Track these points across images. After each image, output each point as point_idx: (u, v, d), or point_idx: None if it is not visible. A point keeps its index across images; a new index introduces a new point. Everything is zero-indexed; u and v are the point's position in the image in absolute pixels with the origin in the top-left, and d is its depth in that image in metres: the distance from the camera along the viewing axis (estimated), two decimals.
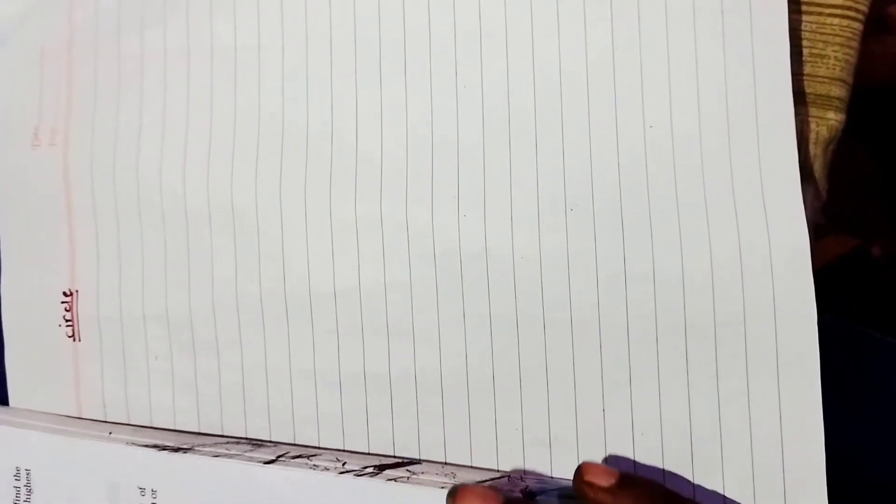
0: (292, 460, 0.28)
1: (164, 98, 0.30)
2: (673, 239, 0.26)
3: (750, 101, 0.26)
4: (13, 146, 0.31)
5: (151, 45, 0.30)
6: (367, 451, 0.28)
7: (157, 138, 0.30)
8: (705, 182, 0.26)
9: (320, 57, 0.29)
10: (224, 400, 0.29)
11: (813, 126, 0.28)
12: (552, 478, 0.27)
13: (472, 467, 0.27)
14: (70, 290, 0.31)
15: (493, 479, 0.27)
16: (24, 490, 0.29)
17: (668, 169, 0.26)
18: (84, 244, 0.30)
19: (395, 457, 0.28)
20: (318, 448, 0.28)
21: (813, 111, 0.28)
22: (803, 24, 0.28)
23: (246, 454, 0.28)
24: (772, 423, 0.25)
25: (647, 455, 0.26)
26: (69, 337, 0.30)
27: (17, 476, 0.29)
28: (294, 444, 0.29)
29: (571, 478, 0.25)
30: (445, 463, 0.27)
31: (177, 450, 0.28)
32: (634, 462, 0.26)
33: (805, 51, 0.28)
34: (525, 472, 0.27)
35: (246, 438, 0.29)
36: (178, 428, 0.30)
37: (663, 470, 0.26)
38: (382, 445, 0.28)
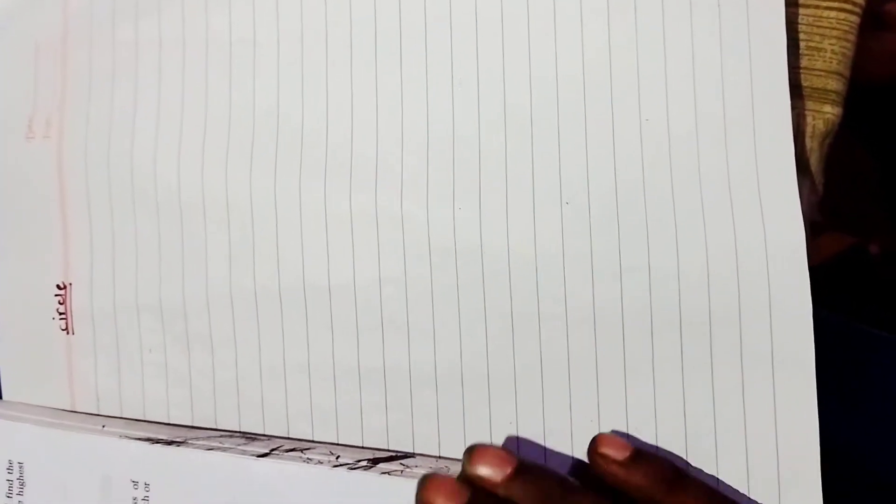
0: (286, 454, 0.28)
1: (158, 90, 0.30)
2: (668, 233, 0.26)
3: (746, 95, 0.26)
4: (7, 138, 0.31)
5: (146, 36, 0.30)
6: (360, 445, 0.28)
7: (152, 131, 0.30)
8: (701, 176, 0.26)
9: (316, 51, 0.29)
10: (218, 393, 0.29)
11: (809, 120, 0.28)
12: None
13: None
14: (63, 283, 0.31)
15: None
16: (16, 483, 0.29)
17: (664, 163, 0.26)
18: (78, 237, 0.30)
19: (388, 450, 0.28)
20: (312, 442, 0.28)
21: (809, 105, 0.28)
22: (800, 17, 0.28)
23: (239, 448, 0.28)
24: (766, 418, 0.25)
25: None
26: (62, 330, 0.30)
27: (9, 469, 0.29)
28: (287, 438, 0.29)
29: (568, 475, 0.25)
30: (440, 457, 0.27)
31: (170, 443, 0.28)
32: None
33: (802, 44, 0.28)
34: None
35: (239, 432, 0.29)
36: (171, 421, 0.29)
37: None
38: (376, 439, 0.28)
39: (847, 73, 0.28)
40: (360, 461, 0.27)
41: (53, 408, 0.31)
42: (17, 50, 0.31)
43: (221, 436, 0.29)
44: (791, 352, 0.25)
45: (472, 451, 0.24)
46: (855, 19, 0.28)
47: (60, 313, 0.30)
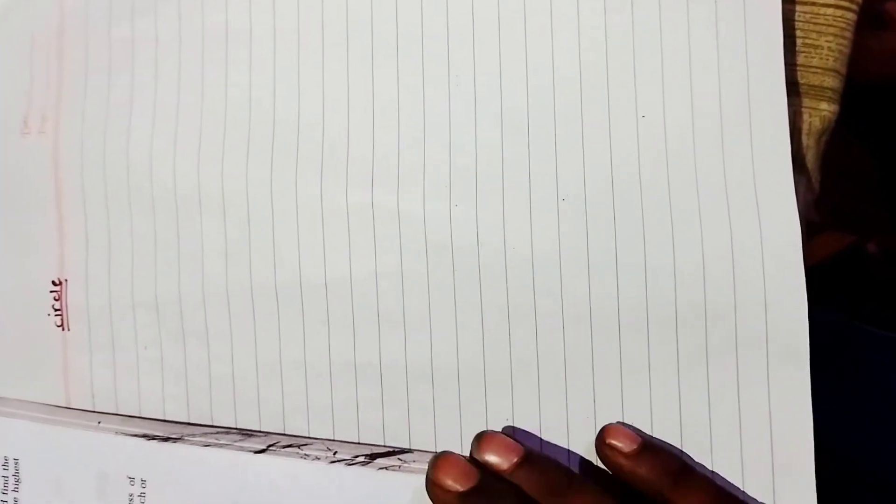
0: (283, 449, 0.28)
1: (154, 86, 0.30)
2: (664, 230, 0.26)
3: (743, 92, 0.26)
4: (3, 133, 0.31)
5: (142, 32, 0.30)
6: (357, 441, 0.28)
7: (148, 126, 0.30)
8: (697, 173, 0.26)
9: (312, 46, 0.29)
10: (214, 390, 0.29)
11: (806, 117, 0.28)
12: None
13: None
14: (59, 280, 0.30)
15: None
16: (12, 479, 0.29)
17: (660, 159, 0.26)
18: (73, 233, 0.30)
19: (385, 446, 0.28)
20: (309, 438, 0.28)
21: (806, 102, 0.28)
22: (797, 14, 0.28)
23: (236, 444, 0.28)
24: (761, 413, 0.25)
25: None
26: (58, 326, 0.30)
27: (5, 465, 0.29)
28: (284, 434, 0.29)
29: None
30: (436, 453, 0.27)
31: (166, 439, 0.28)
32: None
33: (798, 41, 0.28)
34: None
35: (236, 428, 0.29)
36: (167, 417, 0.29)
37: None
38: (372, 435, 0.28)
39: (844, 70, 0.28)
40: (357, 457, 0.27)
41: (48, 404, 0.31)
42: (13, 45, 0.31)
43: (218, 432, 0.29)
44: (786, 348, 0.25)
45: (481, 438, 0.25)
46: (851, 16, 0.28)
47: (56, 310, 0.30)
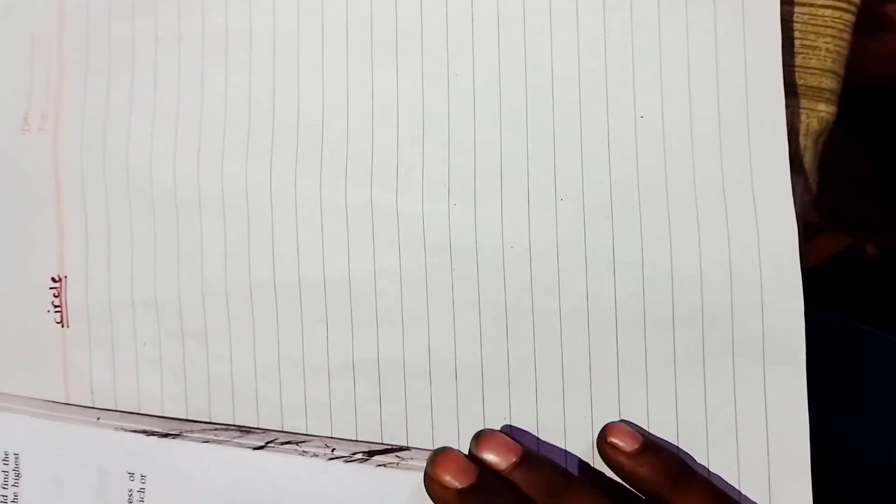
0: (281, 446, 0.28)
1: (154, 84, 0.30)
2: (662, 230, 0.26)
3: (741, 92, 0.26)
4: (3, 130, 0.31)
5: (142, 31, 0.30)
6: (355, 439, 0.28)
7: (148, 125, 0.30)
8: (695, 173, 0.26)
9: (312, 47, 0.29)
10: (212, 387, 0.29)
11: (803, 118, 0.28)
12: None
13: None
14: (59, 277, 0.31)
15: None
16: (11, 474, 0.29)
17: (658, 160, 0.26)
18: (73, 230, 0.30)
19: (383, 444, 0.28)
20: (307, 435, 0.28)
21: (804, 103, 0.28)
22: (795, 15, 0.28)
23: (235, 440, 0.28)
24: (757, 413, 0.25)
25: None
26: (57, 323, 0.30)
27: (5, 460, 0.29)
28: (282, 431, 0.29)
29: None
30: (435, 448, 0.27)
31: (165, 435, 0.28)
32: None
33: (797, 42, 0.28)
34: None
35: (234, 425, 0.29)
36: (165, 415, 0.29)
37: None
38: (370, 433, 0.28)
39: (842, 71, 0.28)
40: (355, 454, 0.27)
41: (48, 400, 0.31)
42: (14, 43, 0.31)
43: (217, 428, 0.29)
44: (782, 348, 0.25)
45: (480, 437, 0.25)
46: (850, 17, 0.28)
47: (55, 306, 0.30)
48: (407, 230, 0.28)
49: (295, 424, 0.28)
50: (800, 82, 0.28)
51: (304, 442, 0.28)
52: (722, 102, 0.26)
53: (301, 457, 0.27)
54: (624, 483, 0.25)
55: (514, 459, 0.24)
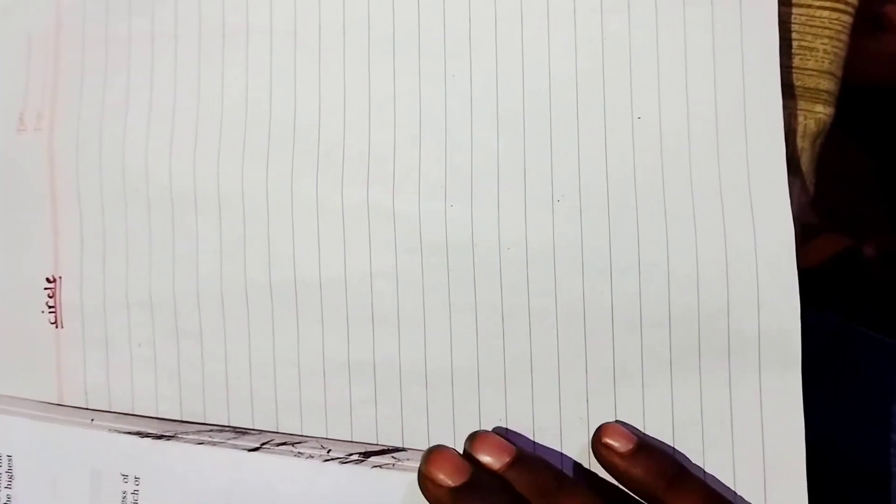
0: (277, 448, 0.28)
1: (150, 84, 0.30)
2: (659, 231, 0.26)
3: (738, 94, 0.26)
4: None
5: (139, 30, 0.30)
6: (350, 440, 0.28)
7: (143, 125, 0.30)
8: (692, 175, 0.26)
9: (308, 45, 0.29)
10: (207, 388, 0.29)
11: (801, 119, 0.28)
12: None
13: None
14: (53, 277, 0.30)
15: None
16: (5, 476, 0.29)
17: (655, 161, 0.26)
18: (68, 230, 0.30)
19: (379, 444, 0.28)
20: (303, 436, 0.28)
21: (801, 104, 0.28)
22: (793, 16, 0.28)
23: (230, 441, 0.28)
24: (753, 413, 0.25)
25: None
26: (51, 324, 0.30)
27: None
28: (278, 432, 0.29)
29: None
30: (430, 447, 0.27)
31: (160, 437, 0.28)
32: None
33: (794, 43, 0.28)
34: None
35: (230, 426, 0.29)
36: (160, 415, 0.29)
37: None
38: (366, 434, 0.28)
39: (839, 72, 0.28)
40: (351, 455, 0.27)
41: (42, 401, 0.31)
42: (10, 42, 0.31)
43: (212, 430, 0.29)
44: (778, 349, 0.25)
45: (474, 438, 0.25)
46: (847, 19, 0.28)
47: (50, 307, 0.30)
48: (403, 231, 0.28)
49: (290, 425, 0.28)
50: (797, 83, 0.28)
51: (299, 443, 0.28)
52: (719, 103, 0.26)
53: (296, 458, 0.27)
54: (619, 484, 0.25)
55: (507, 459, 0.24)
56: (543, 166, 0.27)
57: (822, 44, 0.28)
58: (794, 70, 0.28)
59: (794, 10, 0.28)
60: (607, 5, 0.27)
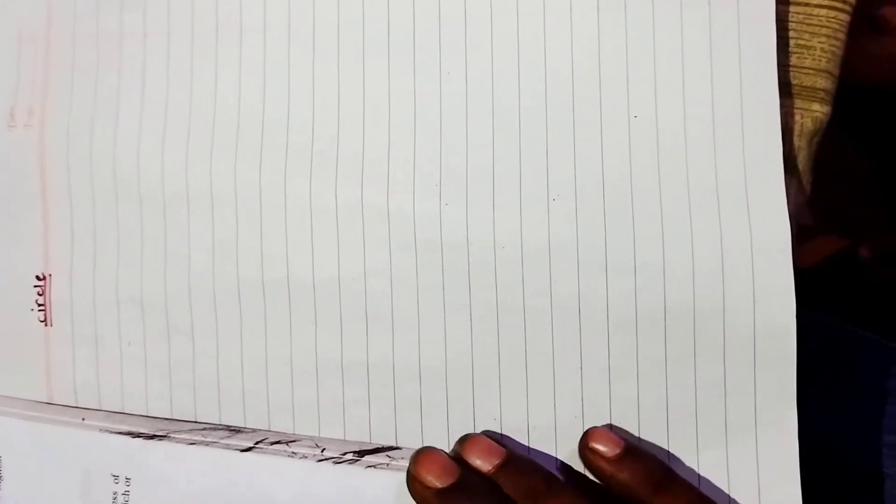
0: (270, 447, 0.27)
1: (142, 81, 0.29)
2: (655, 230, 0.26)
3: (735, 92, 0.26)
4: None
5: (130, 26, 0.30)
6: (343, 439, 0.28)
7: (135, 122, 0.29)
8: (689, 174, 0.26)
9: (303, 42, 0.28)
10: (198, 387, 0.29)
11: (798, 118, 0.28)
12: None
13: None
14: (43, 275, 0.30)
15: None
16: None
17: (651, 159, 0.26)
18: (58, 227, 0.30)
19: (373, 444, 0.28)
20: (297, 435, 0.28)
21: (798, 103, 0.28)
22: (790, 14, 0.28)
23: (223, 441, 0.28)
24: (747, 413, 0.25)
25: None
26: (41, 322, 0.30)
27: None
28: (271, 431, 0.28)
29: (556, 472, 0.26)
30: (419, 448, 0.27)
31: (151, 437, 0.28)
32: None
33: (791, 42, 0.28)
34: None
35: (223, 425, 0.29)
36: (150, 414, 0.29)
37: None
38: (359, 433, 0.28)
39: (836, 71, 0.28)
40: (345, 454, 0.27)
41: (32, 400, 0.30)
42: (0, 37, 0.31)
43: (205, 429, 0.28)
44: (773, 349, 0.25)
45: (465, 440, 0.25)
46: (845, 17, 0.28)
47: (39, 304, 0.30)
48: (398, 229, 0.27)
49: (282, 424, 0.28)
50: (794, 82, 0.28)
51: (293, 442, 0.28)
52: (716, 102, 0.26)
53: (290, 458, 0.27)
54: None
55: (497, 462, 0.25)
56: (539, 165, 0.27)
57: (820, 42, 0.28)
58: (791, 68, 0.28)
59: (792, 9, 0.28)
60: (603, 3, 0.27)
